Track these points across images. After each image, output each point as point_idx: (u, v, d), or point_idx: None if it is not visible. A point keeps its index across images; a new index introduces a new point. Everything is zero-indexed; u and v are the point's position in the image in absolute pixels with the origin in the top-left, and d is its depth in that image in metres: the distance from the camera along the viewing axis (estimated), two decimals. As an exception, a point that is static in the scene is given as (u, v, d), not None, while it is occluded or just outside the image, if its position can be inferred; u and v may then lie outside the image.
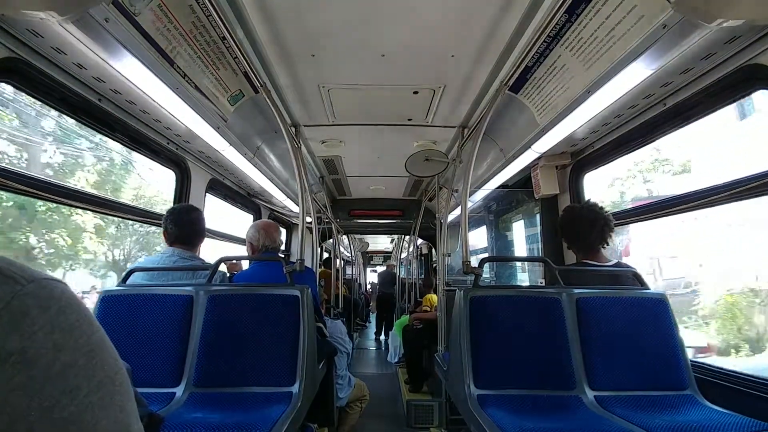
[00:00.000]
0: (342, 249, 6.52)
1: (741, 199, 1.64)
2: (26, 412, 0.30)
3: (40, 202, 2.76)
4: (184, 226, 2.09)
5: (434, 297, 4.78)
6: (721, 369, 1.70)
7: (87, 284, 3.84)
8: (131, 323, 1.72)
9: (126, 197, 3.83)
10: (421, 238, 5.86)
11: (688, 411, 1.55)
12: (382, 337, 8.57)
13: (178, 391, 1.65)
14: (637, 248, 3.68)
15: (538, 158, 2.70)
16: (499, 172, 3.09)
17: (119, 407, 0.37)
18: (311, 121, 2.84)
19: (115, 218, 2.28)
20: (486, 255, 5.55)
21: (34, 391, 0.30)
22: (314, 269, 4.11)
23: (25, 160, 2.83)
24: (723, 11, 1.09)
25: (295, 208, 4.23)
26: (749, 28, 1.33)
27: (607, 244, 2.08)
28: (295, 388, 1.69)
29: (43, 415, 0.31)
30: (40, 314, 0.32)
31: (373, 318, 10.35)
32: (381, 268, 14.21)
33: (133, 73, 1.59)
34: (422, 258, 8.51)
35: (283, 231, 5.10)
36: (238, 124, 2.42)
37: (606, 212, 2.07)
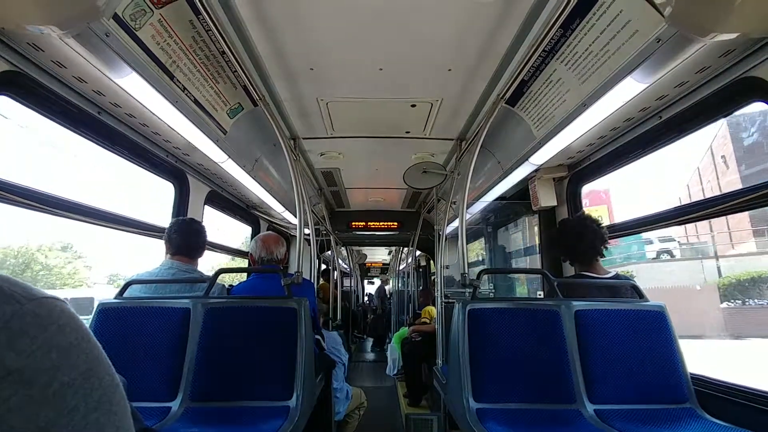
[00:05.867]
0: (340, 261, 6.49)
1: (739, 211, 1.65)
2: None
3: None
4: (188, 237, 2.10)
5: (433, 309, 4.74)
6: (722, 382, 1.69)
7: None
8: (128, 336, 1.70)
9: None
10: (420, 249, 5.85)
11: (688, 425, 1.54)
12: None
13: (174, 405, 1.63)
14: None
15: (536, 170, 2.71)
16: (497, 184, 3.10)
17: (116, 426, 0.37)
18: (310, 134, 2.85)
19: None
20: (484, 267, 5.55)
21: (31, 411, 0.30)
22: (312, 281, 4.08)
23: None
24: (717, 25, 1.10)
25: (294, 220, 4.23)
26: (743, 42, 1.35)
27: (602, 256, 2.09)
28: (292, 402, 1.66)
29: None
30: (38, 333, 0.32)
31: None
32: (378, 281, 14.15)
33: (132, 86, 1.60)
34: (420, 270, 8.49)
35: (282, 243, 5.07)
36: (237, 136, 2.43)
37: (597, 225, 2.10)
